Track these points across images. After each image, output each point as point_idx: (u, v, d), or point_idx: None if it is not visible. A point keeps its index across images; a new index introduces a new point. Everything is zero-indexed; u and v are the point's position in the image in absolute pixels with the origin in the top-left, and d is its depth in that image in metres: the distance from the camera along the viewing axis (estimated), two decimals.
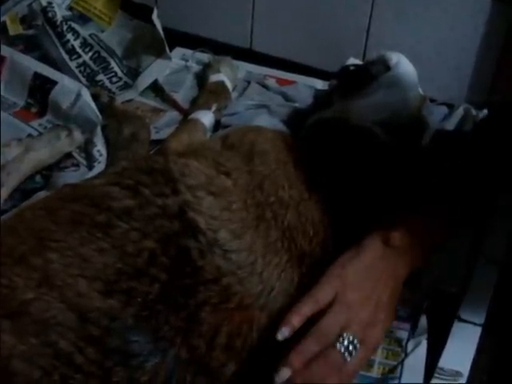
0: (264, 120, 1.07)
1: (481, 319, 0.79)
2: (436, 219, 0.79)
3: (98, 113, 1.05)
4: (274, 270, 0.73)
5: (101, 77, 1.20)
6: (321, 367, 0.68)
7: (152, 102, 1.17)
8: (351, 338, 0.69)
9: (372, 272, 0.73)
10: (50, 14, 1.21)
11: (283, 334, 0.68)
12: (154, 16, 1.19)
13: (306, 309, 0.70)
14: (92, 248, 0.67)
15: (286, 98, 1.14)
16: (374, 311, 0.72)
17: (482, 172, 0.83)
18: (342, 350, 0.68)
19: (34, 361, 0.60)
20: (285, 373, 0.66)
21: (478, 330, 0.78)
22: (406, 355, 0.77)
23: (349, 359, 0.68)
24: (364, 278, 0.73)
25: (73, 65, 1.20)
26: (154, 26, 1.20)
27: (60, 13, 1.22)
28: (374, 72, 0.93)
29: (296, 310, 0.70)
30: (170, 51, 1.22)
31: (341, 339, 0.69)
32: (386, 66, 0.92)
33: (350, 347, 0.69)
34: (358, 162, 0.83)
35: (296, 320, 0.69)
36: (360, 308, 0.71)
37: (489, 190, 0.84)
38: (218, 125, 1.08)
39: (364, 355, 0.71)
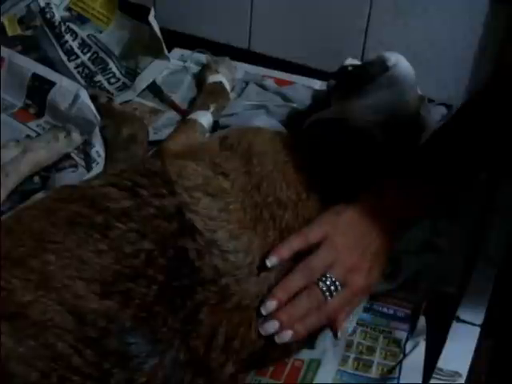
0: (262, 120, 1.07)
1: (479, 320, 0.79)
2: (416, 193, 0.80)
3: (97, 114, 1.04)
4: (271, 271, 0.72)
5: (99, 78, 1.20)
6: (303, 304, 0.71)
7: (150, 102, 1.17)
8: (333, 279, 0.73)
9: (362, 223, 0.77)
10: (48, 15, 1.21)
11: (272, 261, 0.71)
12: (151, 17, 1.19)
13: (295, 243, 0.73)
14: (90, 249, 0.67)
15: (285, 98, 1.14)
16: (358, 258, 0.75)
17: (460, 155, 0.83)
18: (324, 288, 0.72)
19: (32, 363, 0.60)
20: (270, 305, 0.70)
21: (477, 330, 0.78)
22: (405, 356, 0.76)
23: (329, 299, 0.72)
24: (354, 227, 0.76)
25: (71, 66, 1.20)
26: (151, 26, 1.19)
27: (58, 13, 1.22)
28: (372, 72, 0.93)
29: (286, 242, 0.73)
30: (169, 52, 1.22)
31: (323, 278, 0.72)
32: (384, 66, 0.92)
33: (332, 287, 0.72)
34: (356, 162, 0.83)
35: (285, 252, 0.72)
36: (346, 252, 0.74)
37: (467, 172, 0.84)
38: (216, 125, 1.08)
39: (344, 298, 0.74)
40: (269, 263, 0.71)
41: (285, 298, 0.71)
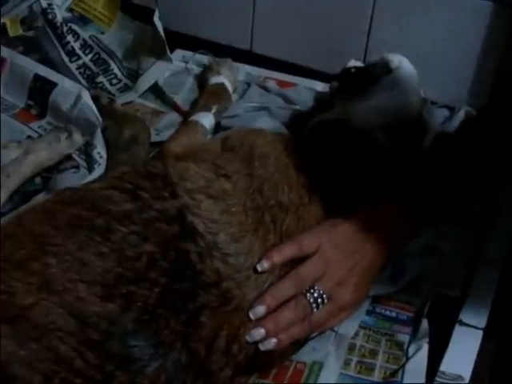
0: (265, 122, 1.06)
1: (482, 323, 0.78)
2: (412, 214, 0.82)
3: (98, 115, 1.04)
4: (269, 276, 0.73)
5: (101, 79, 1.20)
6: (290, 314, 0.72)
7: (152, 103, 1.17)
8: (321, 292, 0.73)
9: (355, 238, 0.77)
10: (50, 16, 1.21)
11: (262, 265, 0.72)
12: (156, 17, 1.18)
13: (288, 250, 0.74)
14: (91, 252, 0.67)
15: (287, 100, 1.14)
16: (347, 273, 0.76)
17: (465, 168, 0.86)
18: (312, 300, 0.73)
19: (35, 365, 0.60)
20: (259, 310, 0.70)
21: (480, 333, 0.77)
22: (408, 359, 0.76)
23: (315, 311, 0.73)
24: (347, 241, 0.77)
25: (73, 66, 1.20)
26: (155, 27, 1.19)
27: (60, 14, 1.22)
28: (375, 74, 0.92)
29: (279, 248, 0.74)
30: (171, 53, 1.22)
31: (312, 290, 0.73)
32: (387, 68, 0.92)
33: (319, 300, 0.73)
34: (358, 164, 0.83)
35: (277, 257, 0.73)
36: (336, 266, 0.75)
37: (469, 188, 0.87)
38: (218, 127, 1.08)
39: (330, 311, 0.75)
40: (259, 268, 0.71)
41: (274, 305, 0.71)
